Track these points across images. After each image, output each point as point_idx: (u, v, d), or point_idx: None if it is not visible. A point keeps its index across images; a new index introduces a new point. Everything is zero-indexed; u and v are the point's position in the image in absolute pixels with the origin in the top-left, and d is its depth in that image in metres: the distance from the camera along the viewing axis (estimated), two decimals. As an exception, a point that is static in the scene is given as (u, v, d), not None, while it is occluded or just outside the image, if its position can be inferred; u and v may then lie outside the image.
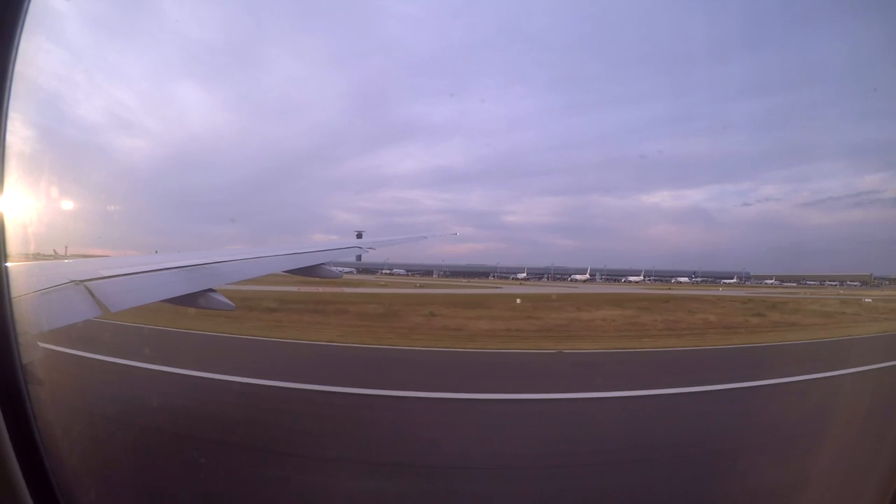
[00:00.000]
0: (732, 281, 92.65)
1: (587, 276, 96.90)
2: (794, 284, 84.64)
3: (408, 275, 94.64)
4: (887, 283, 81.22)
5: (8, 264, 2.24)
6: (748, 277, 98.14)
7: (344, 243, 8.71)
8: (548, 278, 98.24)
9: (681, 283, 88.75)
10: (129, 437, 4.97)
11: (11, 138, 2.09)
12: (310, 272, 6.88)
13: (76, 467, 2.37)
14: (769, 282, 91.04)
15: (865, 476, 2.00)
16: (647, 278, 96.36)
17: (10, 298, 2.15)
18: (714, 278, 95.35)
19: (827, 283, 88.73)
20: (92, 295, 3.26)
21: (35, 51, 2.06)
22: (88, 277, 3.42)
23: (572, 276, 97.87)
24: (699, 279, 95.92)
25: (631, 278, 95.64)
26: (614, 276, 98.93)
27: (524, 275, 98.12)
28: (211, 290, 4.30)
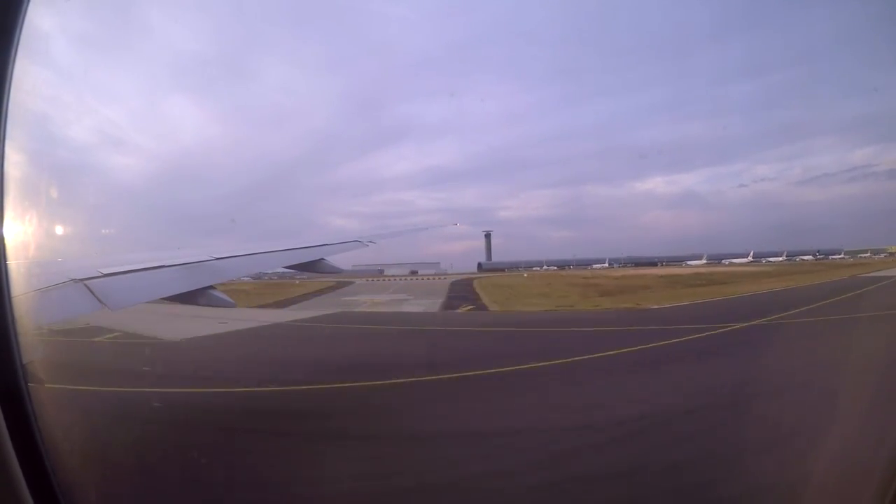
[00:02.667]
0: (840, 257, 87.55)
1: (704, 260, 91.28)
2: (884, 255, 79.62)
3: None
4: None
5: (8, 263, 2.24)
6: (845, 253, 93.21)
7: (344, 237, 8.68)
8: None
9: (806, 259, 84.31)
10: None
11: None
12: (310, 268, 6.87)
13: (76, 467, 2.38)
14: (864, 255, 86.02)
15: (865, 476, 2.00)
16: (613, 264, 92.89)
17: (10, 298, 2.15)
18: (828, 255, 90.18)
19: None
20: (92, 293, 3.26)
21: (22, 74, 2.05)
22: (88, 276, 3.42)
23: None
24: (822, 255, 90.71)
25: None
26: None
27: (703, 260, 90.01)
28: (211, 287, 4.29)
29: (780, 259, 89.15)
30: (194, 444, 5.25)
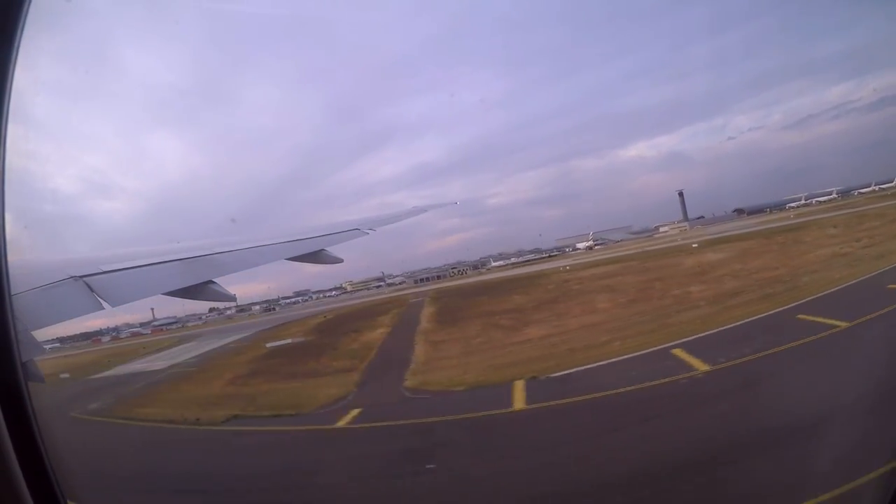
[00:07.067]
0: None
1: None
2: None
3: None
4: None
5: (8, 261, 2.24)
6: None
7: (343, 226, 8.60)
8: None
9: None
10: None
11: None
12: (311, 258, 6.85)
13: (76, 467, 2.42)
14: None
15: (866, 476, 1.98)
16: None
17: (10, 296, 2.16)
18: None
19: None
20: (91, 290, 3.27)
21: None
22: (88, 273, 3.43)
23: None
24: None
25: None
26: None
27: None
28: (211, 281, 4.29)
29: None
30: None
